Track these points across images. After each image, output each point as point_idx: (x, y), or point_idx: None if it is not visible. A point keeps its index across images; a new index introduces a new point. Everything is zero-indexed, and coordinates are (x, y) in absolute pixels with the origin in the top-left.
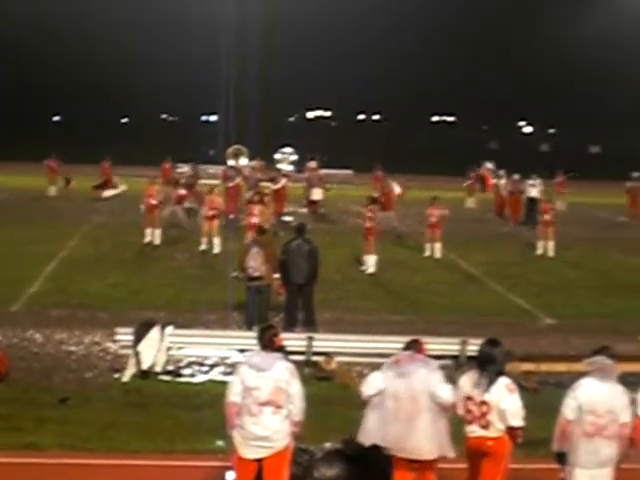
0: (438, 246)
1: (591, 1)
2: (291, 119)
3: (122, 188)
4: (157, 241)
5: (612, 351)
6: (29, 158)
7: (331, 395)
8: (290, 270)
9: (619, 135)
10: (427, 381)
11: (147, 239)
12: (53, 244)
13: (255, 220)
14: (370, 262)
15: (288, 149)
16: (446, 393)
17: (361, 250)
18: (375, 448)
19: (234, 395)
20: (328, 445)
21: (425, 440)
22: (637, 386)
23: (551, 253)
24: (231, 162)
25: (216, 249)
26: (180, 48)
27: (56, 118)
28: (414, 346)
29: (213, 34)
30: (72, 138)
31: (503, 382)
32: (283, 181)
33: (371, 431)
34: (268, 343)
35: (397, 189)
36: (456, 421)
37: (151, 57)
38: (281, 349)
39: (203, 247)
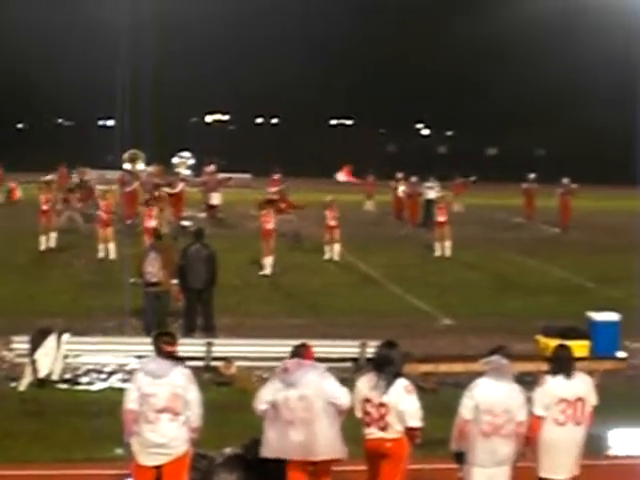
0: (337, 248)
1: (485, 4)
2: (189, 123)
3: None
4: (52, 244)
5: (508, 351)
6: None
7: (231, 400)
8: (189, 275)
9: (515, 137)
10: (320, 386)
11: (42, 246)
12: None
13: (152, 223)
14: (266, 263)
15: (186, 153)
16: (343, 397)
17: (261, 254)
18: None
19: (131, 402)
20: (228, 450)
21: (322, 442)
22: (533, 385)
23: (448, 253)
24: (128, 167)
25: (112, 255)
26: (75, 51)
27: None
28: (301, 352)
29: (109, 37)
30: None
31: (401, 383)
32: (181, 185)
33: (272, 445)
34: (164, 349)
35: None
36: (354, 423)
37: (46, 61)
38: (173, 355)
39: (101, 254)
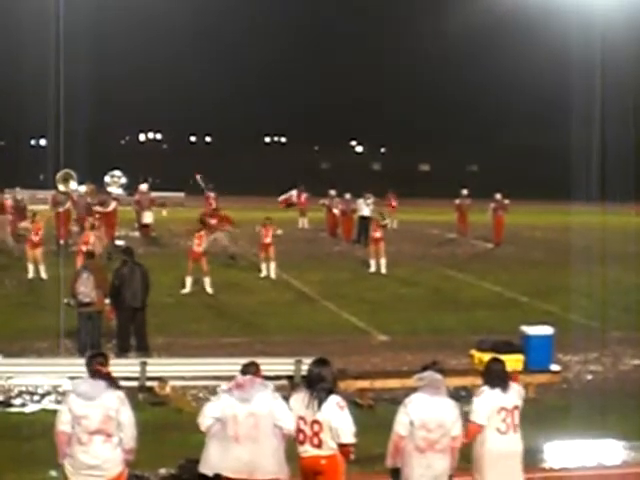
0: (273, 266)
1: (426, 17)
2: (122, 142)
3: None
4: None
5: (441, 366)
6: None
7: (166, 420)
8: (125, 295)
9: (448, 153)
10: (269, 407)
11: None
12: None
13: (89, 248)
14: (205, 282)
15: (118, 172)
16: (290, 423)
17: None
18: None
19: (63, 424)
20: (163, 471)
21: (266, 461)
22: (468, 400)
23: (383, 270)
24: (61, 187)
25: (43, 274)
26: (8, 70)
27: None
28: (252, 369)
29: (41, 54)
30: None
31: (334, 400)
32: (113, 204)
33: (213, 460)
34: (96, 371)
35: None
36: (289, 441)
37: None
38: (108, 376)
39: (31, 274)
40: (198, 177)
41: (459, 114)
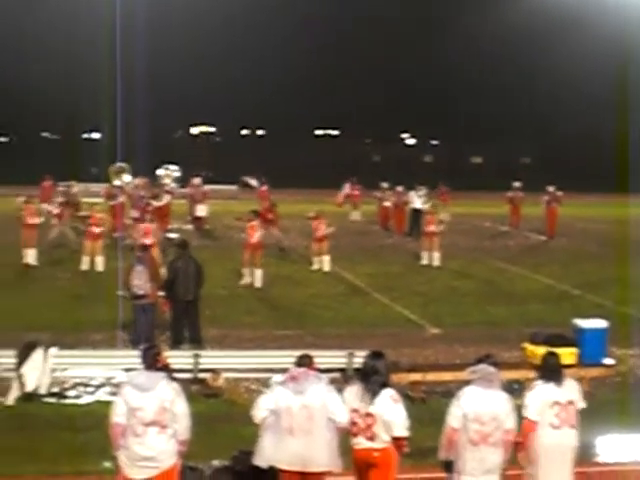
0: (326, 259)
1: (473, 13)
2: (175, 135)
3: None
4: (34, 261)
5: (495, 359)
6: None
7: (219, 412)
8: (177, 287)
9: (500, 145)
10: (323, 399)
11: (25, 259)
12: None
13: (149, 241)
14: (256, 275)
15: (172, 165)
16: (343, 416)
17: (245, 264)
18: None
19: (118, 416)
20: (216, 462)
21: (319, 453)
22: (521, 393)
23: (437, 263)
24: (114, 180)
25: (100, 267)
26: (61, 65)
27: None
28: (307, 361)
29: (95, 50)
30: None
31: (387, 393)
32: (167, 198)
33: (267, 453)
34: (151, 362)
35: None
36: (342, 433)
37: (31, 74)
38: (166, 368)
39: (85, 267)
40: (245, 180)
41: (512, 106)
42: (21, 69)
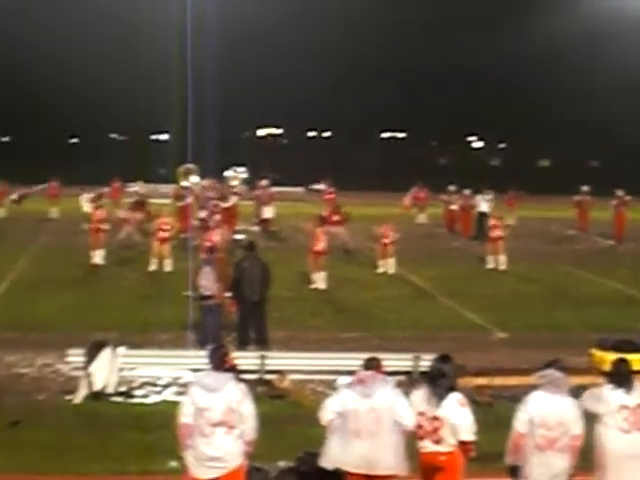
0: (392, 262)
1: (541, 14)
2: (242, 137)
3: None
4: (102, 261)
5: (562, 364)
6: None
7: (284, 413)
8: (244, 288)
9: (568, 148)
10: (390, 402)
11: (93, 260)
12: (1, 266)
13: (217, 240)
14: (320, 278)
15: (239, 167)
16: (410, 419)
17: (311, 267)
18: None
19: (185, 416)
20: (282, 463)
21: (386, 456)
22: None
23: (503, 267)
24: (182, 181)
25: (168, 267)
26: (130, 66)
27: (5, 139)
28: (374, 364)
29: (162, 52)
30: (21, 158)
31: (454, 397)
32: (234, 199)
33: (333, 454)
34: (219, 363)
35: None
36: (408, 437)
37: (100, 76)
38: (233, 369)
39: (153, 267)
40: (312, 187)
41: (580, 108)
42: (90, 71)
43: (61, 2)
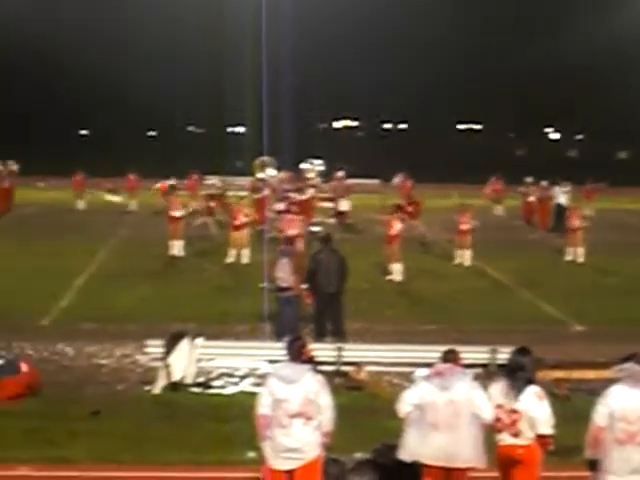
0: (468, 253)
1: (618, 4)
2: (318, 129)
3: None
4: (180, 253)
5: None
6: (57, 172)
7: (361, 405)
8: (320, 280)
9: None
10: (469, 395)
11: (171, 251)
12: (82, 258)
13: (294, 232)
14: (396, 270)
15: (316, 160)
16: (488, 412)
17: (386, 259)
18: None
19: (264, 407)
20: (359, 455)
21: (465, 448)
22: None
23: (581, 259)
24: (259, 174)
25: (245, 259)
26: (206, 60)
27: (83, 132)
28: (452, 357)
29: (239, 46)
30: (100, 152)
31: (532, 390)
32: (310, 192)
33: (411, 447)
34: (297, 354)
35: None
36: (486, 430)
37: (177, 69)
38: (310, 360)
39: (231, 259)
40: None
41: None
42: (167, 66)
43: None
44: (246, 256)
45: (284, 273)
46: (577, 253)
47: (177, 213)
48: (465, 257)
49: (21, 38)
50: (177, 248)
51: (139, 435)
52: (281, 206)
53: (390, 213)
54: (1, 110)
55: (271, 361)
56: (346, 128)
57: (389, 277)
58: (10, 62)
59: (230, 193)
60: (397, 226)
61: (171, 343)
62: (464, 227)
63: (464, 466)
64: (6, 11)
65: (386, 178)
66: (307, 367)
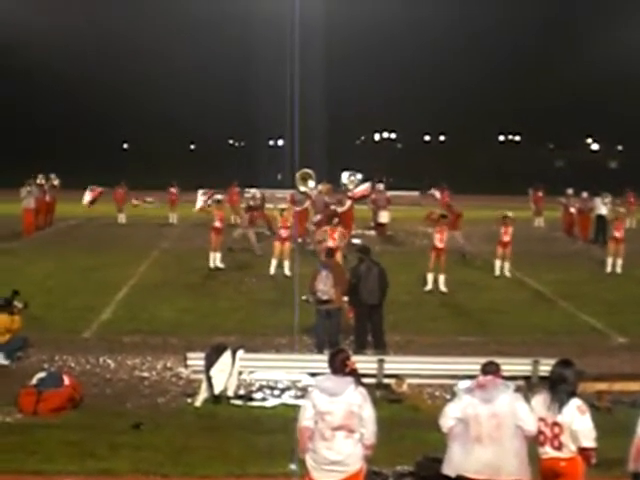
0: (507, 265)
1: None
2: (358, 142)
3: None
4: (221, 264)
5: None
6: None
7: (402, 417)
8: (362, 292)
9: None
10: (512, 407)
11: (213, 263)
12: (123, 270)
13: (334, 244)
14: (441, 281)
15: (355, 172)
16: (532, 424)
17: (426, 270)
18: None
19: (306, 420)
20: (400, 468)
21: (509, 462)
22: None
23: (619, 270)
24: (300, 186)
25: (287, 271)
26: (246, 72)
27: (125, 146)
28: (493, 369)
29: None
30: (141, 165)
31: (575, 403)
32: (349, 203)
33: (455, 461)
34: (340, 367)
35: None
36: (529, 442)
37: (217, 82)
38: (354, 373)
39: (272, 271)
40: (430, 193)
41: None
42: (206, 78)
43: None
44: (287, 267)
45: (325, 285)
46: (616, 264)
47: (218, 224)
48: (505, 268)
49: (65, 53)
50: (218, 260)
51: (181, 447)
52: (320, 218)
53: (437, 224)
54: (43, 125)
55: (311, 374)
56: (385, 140)
57: (429, 288)
58: (53, 74)
59: (270, 205)
60: (443, 239)
61: (212, 356)
62: (506, 238)
63: (509, 479)
64: (49, 22)
65: (425, 190)
66: (350, 380)
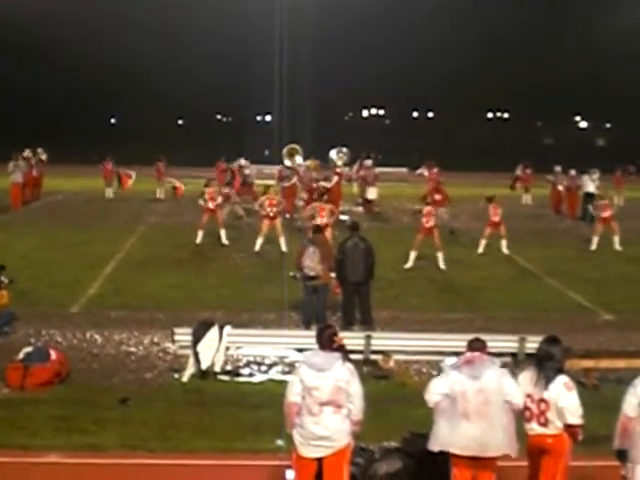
0: (504, 242)
1: None
2: (346, 118)
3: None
4: (224, 240)
5: None
6: (85, 160)
7: (389, 393)
8: (347, 269)
9: None
10: (499, 383)
11: (200, 239)
12: (110, 245)
13: (323, 221)
14: (439, 259)
15: (343, 148)
16: (519, 398)
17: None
18: None
19: (294, 395)
20: (387, 444)
21: (497, 438)
22: None
23: (617, 247)
24: (287, 161)
25: (284, 247)
26: (234, 48)
27: (112, 120)
28: (479, 345)
29: (266, 34)
30: (128, 140)
31: (561, 380)
32: (335, 179)
33: (442, 437)
34: (327, 343)
35: None
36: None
37: (205, 58)
38: (341, 348)
39: (257, 248)
40: (417, 172)
41: None
42: (194, 54)
43: None
44: (283, 243)
45: (311, 262)
46: (614, 241)
47: (212, 204)
48: (502, 246)
49: (50, 28)
50: (223, 237)
51: (168, 423)
52: (307, 194)
53: (426, 203)
54: (30, 99)
55: (299, 349)
56: (374, 116)
57: (408, 265)
58: (38, 51)
59: (258, 182)
60: (433, 219)
61: (200, 331)
62: (495, 218)
63: (496, 455)
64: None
65: (413, 166)
66: (337, 355)
